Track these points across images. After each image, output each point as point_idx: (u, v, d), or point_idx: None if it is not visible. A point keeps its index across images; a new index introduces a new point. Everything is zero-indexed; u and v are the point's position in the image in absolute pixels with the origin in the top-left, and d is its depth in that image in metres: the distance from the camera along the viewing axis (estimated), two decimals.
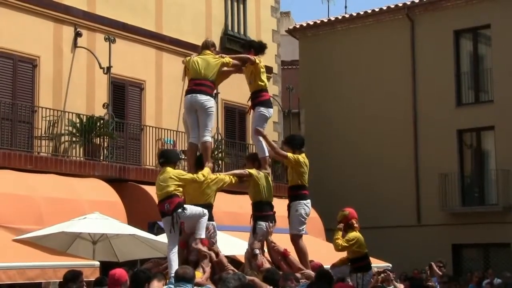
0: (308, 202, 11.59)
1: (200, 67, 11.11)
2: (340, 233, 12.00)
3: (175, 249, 10.46)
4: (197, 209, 10.44)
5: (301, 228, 11.46)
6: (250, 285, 8.68)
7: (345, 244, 11.81)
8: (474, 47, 27.61)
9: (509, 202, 25.49)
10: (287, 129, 26.30)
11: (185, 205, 10.34)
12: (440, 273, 16.30)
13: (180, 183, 10.45)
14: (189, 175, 10.68)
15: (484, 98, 27.07)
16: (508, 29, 26.02)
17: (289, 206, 11.49)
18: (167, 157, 10.80)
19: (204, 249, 10.28)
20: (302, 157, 11.43)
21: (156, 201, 18.49)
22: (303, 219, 11.41)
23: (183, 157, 17.53)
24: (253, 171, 11.16)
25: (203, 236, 10.41)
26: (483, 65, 27.36)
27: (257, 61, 11.55)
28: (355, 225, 12.05)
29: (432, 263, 16.79)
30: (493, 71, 26.59)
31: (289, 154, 11.31)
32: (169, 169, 10.54)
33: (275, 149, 11.64)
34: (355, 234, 11.90)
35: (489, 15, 26.50)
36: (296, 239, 11.45)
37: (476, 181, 27.11)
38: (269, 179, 11.53)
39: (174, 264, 10.22)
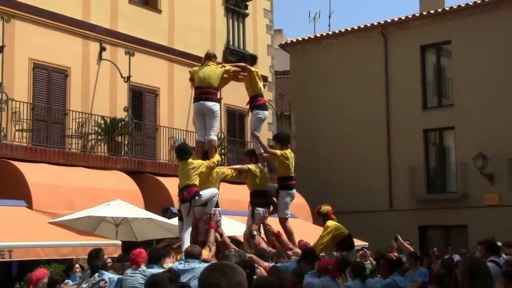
0: (293, 191, 11.67)
1: (206, 77, 11.17)
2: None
3: (189, 231, 10.54)
4: (210, 192, 10.50)
5: (286, 212, 11.52)
6: (248, 261, 8.74)
7: (324, 242, 11.40)
8: (437, 59, 27.63)
9: (466, 190, 25.50)
10: (280, 129, 26.31)
11: (200, 192, 10.43)
12: (407, 245, 16.26)
13: (199, 171, 10.50)
14: (205, 163, 10.72)
15: (446, 103, 27.05)
16: (465, 44, 26.04)
17: (277, 193, 11.58)
18: (186, 151, 10.83)
19: (212, 233, 10.34)
20: (288, 152, 11.47)
21: (169, 190, 18.70)
22: (287, 205, 11.48)
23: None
24: (251, 166, 11.24)
25: (211, 211, 10.47)
26: (445, 74, 27.36)
27: (253, 70, 11.64)
28: (332, 216, 11.92)
29: (398, 236, 16.75)
30: (453, 80, 26.62)
31: (278, 152, 11.38)
32: (190, 161, 10.58)
33: (265, 149, 11.71)
34: (330, 222, 11.62)
35: (449, 33, 26.53)
36: (283, 221, 11.54)
37: (439, 172, 27.16)
38: (264, 171, 11.62)
39: (186, 243, 10.31)
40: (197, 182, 10.50)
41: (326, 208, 11.87)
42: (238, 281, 3.06)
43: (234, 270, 3.12)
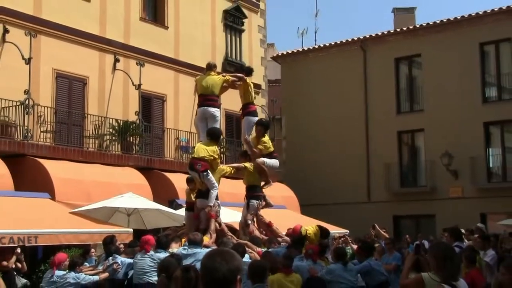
0: (277, 161, 11.65)
1: (209, 86, 11.17)
2: None
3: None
4: (214, 180, 10.49)
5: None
6: (242, 245, 8.76)
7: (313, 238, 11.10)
8: (409, 70, 27.61)
9: (434, 184, 25.54)
10: (272, 131, 26.37)
11: (209, 171, 10.41)
12: (383, 233, 16.29)
13: (215, 156, 10.48)
14: (218, 160, 10.77)
15: (417, 108, 27.03)
16: (434, 57, 26.08)
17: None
18: (218, 137, 10.76)
19: (212, 222, 10.34)
20: (266, 139, 11.40)
21: (174, 184, 18.66)
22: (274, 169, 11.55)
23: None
24: (247, 164, 11.25)
25: (211, 204, 10.45)
26: (416, 83, 27.35)
27: (248, 81, 11.64)
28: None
29: (375, 224, 16.74)
30: (423, 88, 26.65)
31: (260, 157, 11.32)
32: (215, 146, 10.53)
33: (253, 153, 11.61)
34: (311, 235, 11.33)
35: (420, 47, 26.56)
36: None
37: (410, 169, 27.15)
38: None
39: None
40: (209, 161, 10.45)
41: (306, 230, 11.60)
42: (236, 265, 3.07)
43: (233, 255, 3.13)
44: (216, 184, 10.60)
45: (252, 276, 6.22)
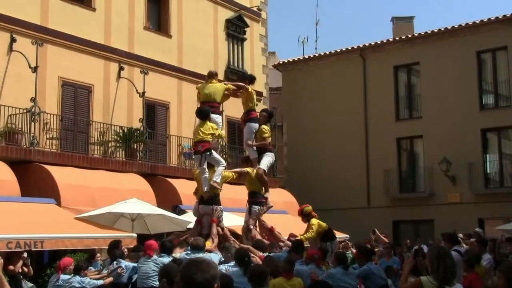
0: (272, 154, 11.70)
1: (211, 93, 11.20)
2: None
3: (206, 175, 10.47)
4: (219, 157, 10.50)
5: (264, 166, 11.46)
6: (245, 249, 8.75)
7: (310, 236, 11.34)
8: (408, 78, 27.64)
9: (433, 190, 25.53)
10: (273, 137, 26.29)
11: (212, 150, 10.45)
12: (383, 238, 16.28)
13: (213, 132, 10.51)
14: (218, 131, 10.81)
15: (415, 115, 27.03)
16: (432, 65, 26.14)
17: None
18: (206, 114, 10.76)
19: (214, 227, 10.32)
20: (267, 128, 11.47)
21: (178, 190, 18.67)
22: (269, 162, 11.50)
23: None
24: (249, 169, 11.24)
25: (216, 180, 10.47)
26: (415, 91, 27.37)
27: (250, 89, 11.66)
28: (314, 214, 11.85)
29: (375, 229, 16.72)
30: (422, 95, 26.68)
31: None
32: (208, 123, 10.57)
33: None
34: (313, 220, 11.52)
35: (418, 55, 26.60)
36: (261, 172, 11.48)
37: (409, 175, 27.13)
38: None
39: (204, 182, 10.41)
40: (210, 139, 10.50)
41: (308, 208, 11.82)
42: (212, 274, 3.08)
43: (208, 265, 3.14)
44: (222, 161, 10.69)
45: (253, 280, 6.20)
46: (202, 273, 3.06)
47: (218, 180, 10.43)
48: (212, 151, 10.46)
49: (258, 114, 11.86)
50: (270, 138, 11.62)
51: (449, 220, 23.08)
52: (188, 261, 3.30)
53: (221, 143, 21.56)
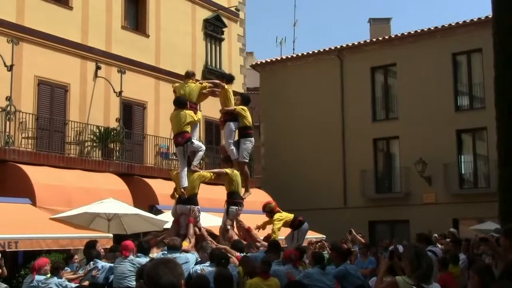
0: (252, 138, 11.80)
1: (186, 94, 11.19)
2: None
3: (185, 170, 10.63)
4: (199, 143, 10.60)
5: (245, 156, 11.64)
6: (221, 250, 8.76)
7: (277, 227, 11.43)
8: (385, 79, 27.82)
9: (409, 191, 25.72)
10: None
11: (192, 140, 10.56)
12: (360, 238, 16.34)
13: (188, 119, 10.59)
14: (191, 114, 10.85)
15: (392, 116, 27.21)
16: (408, 67, 26.33)
17: (238, 142, 11.66)
18: (182, 103, 10.82)
19: (191, 227, 10.34)
20: (243, 108, 11.55)
21: (154, 190, 18.60)
22: (248, 150, 11.68)
23: (175, 158, 17.48)
24: (229, 170, 11.26)
25: (196, 164, 10.54)
26: (391, 92, 27.57)
27: (227, 87, 11.66)
28: (278, 209, 11.90)
29: (352, 229, 16.80)
30: (398, 96, 26.88)
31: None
32: (184, 111, 10.63)
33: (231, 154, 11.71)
34: (277, 215, 11.60)
35: (395, 57, 26.78)
36: (242, 165, 11.74)
37: (386, 175, 27.30)
38: (239, 175, 11.63)
39: (184, 180, 10.48)
40: (188, 129, 10.59)
41: (271, 205, 11.94)
42: (179, 273, 3.15)
43: (176, 264, 3.21)
44: (202, 146, 10.81)
45: (218, 286, 6.17)
46: (170, 270, 3.13)
47: (197, 163, 10.62)
48: (193, 139, 10.60)
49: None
50: (249, 122, 11.59)
51: (424, 221, 23.30)
52: (155, 260, 3.40)
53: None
